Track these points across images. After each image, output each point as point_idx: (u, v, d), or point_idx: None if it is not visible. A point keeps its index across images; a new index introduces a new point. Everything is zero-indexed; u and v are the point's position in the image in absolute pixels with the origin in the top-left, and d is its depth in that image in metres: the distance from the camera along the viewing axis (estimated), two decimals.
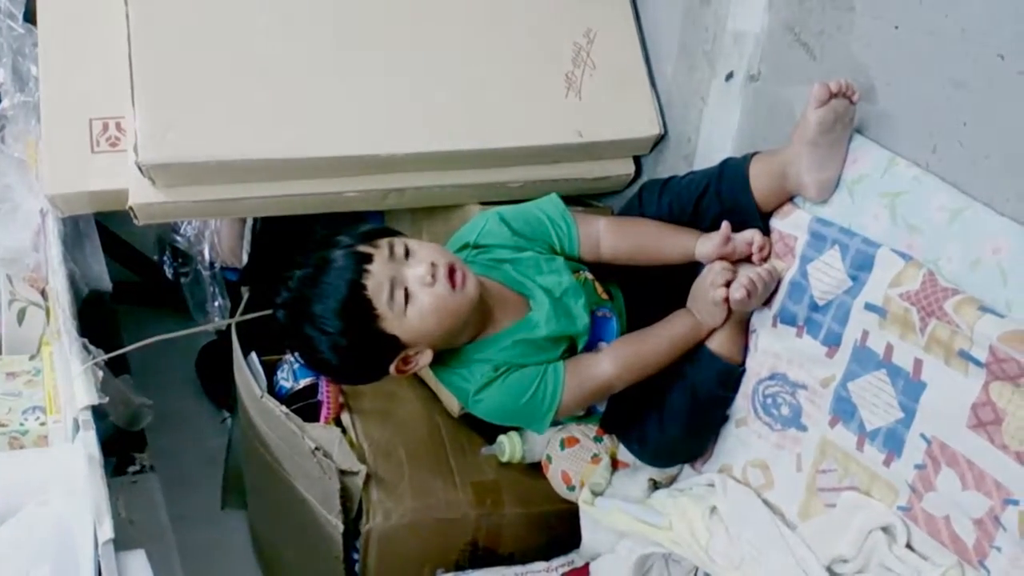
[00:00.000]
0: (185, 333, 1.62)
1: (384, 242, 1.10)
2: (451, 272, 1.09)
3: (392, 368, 1.13)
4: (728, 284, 1.14)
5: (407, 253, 1.10)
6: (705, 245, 1.17)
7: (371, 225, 1.17)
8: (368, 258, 1.08)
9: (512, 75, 1.43)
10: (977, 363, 0.92)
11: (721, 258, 1.16)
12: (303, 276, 1.09)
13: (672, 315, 1.20)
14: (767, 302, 1.17)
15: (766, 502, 1.16)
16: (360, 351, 1.10)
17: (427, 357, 1.13)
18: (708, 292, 1.15)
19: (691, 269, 1.20)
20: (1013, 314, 0.91)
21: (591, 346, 1.22)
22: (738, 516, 1.15)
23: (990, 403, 0.91)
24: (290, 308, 1.11)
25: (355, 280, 1.06)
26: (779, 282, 1.14)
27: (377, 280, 1.07)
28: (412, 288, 1.08)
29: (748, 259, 1.17)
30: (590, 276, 1.24)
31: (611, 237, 1.23)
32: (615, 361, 1.17)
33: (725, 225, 1.15)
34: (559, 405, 1.16)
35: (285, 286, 1.10)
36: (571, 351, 1.19)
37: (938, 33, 0.99)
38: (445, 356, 1.18)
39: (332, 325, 1.07)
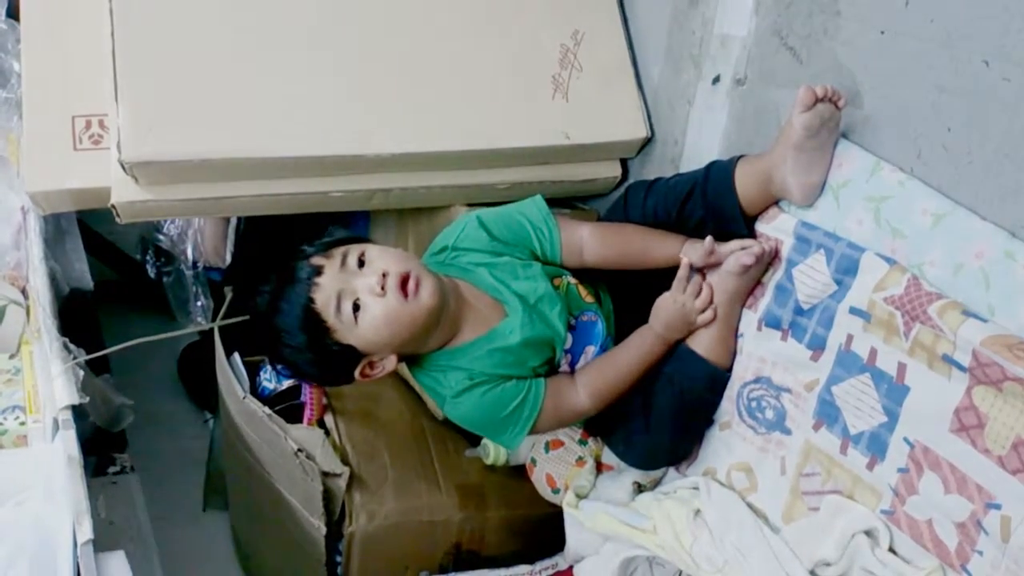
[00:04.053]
0: (168, 336, 1.61)
1: (338, 252, 1.11)
2: (404, 281, 1.08)
3: (357, 374, 1.14)
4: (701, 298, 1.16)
5: (361, 262, 1.10)
6: (691, 253, 1.17)
7: (338, 233, 1.17)
8: (318, 271, 1.09)
9: (499, 77, 1.42)
10: (960, 367, 0.92)
11: (705, 266, 1.16)
12: (267, 291, 1.11)
13: (637, 333, 1.20)
14: (752, 305, 1.17)
15: (750, 505, 1.16)
16: (324, 360, 1.12)
17: (391, 363, 1.14)
18: (680, 309, 1.15)
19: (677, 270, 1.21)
20: (996, 319, 0.91)
21: (578, 352, 1.22)
22: (722, 519, 1.15)
23: (973, 407, 0.91)
24: (260, 323, 1.13)
25: (305, 294, 1.08)
26: (775, 254, 1.14)
27: (325, 293, 1.08)
28: (363, 298, 1.08)
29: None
30: (573, 280, 1.24)
31: (595, 244, 1.23)
32: (589, 393, 1.18)
33: (709, 239, 1.15)
34: (533, 426, 1.16)
35: (256, 301, 1.13)
36: (551, 359, 1.19)
37: (923, 38, 0.99)
38: (421, 359, 1.18)
39: (293, 339, 1.10)
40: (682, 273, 1.15)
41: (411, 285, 1.08)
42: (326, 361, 1.12)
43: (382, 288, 1.08)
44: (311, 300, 1.08)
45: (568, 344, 1.21)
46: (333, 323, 1.08)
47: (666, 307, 1.16)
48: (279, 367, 1.48)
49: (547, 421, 1.17)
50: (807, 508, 1.10)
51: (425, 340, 1.14)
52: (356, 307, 1.08)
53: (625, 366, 1.18)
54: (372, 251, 1.11)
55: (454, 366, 1.16)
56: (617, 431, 1.25)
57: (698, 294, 1.16)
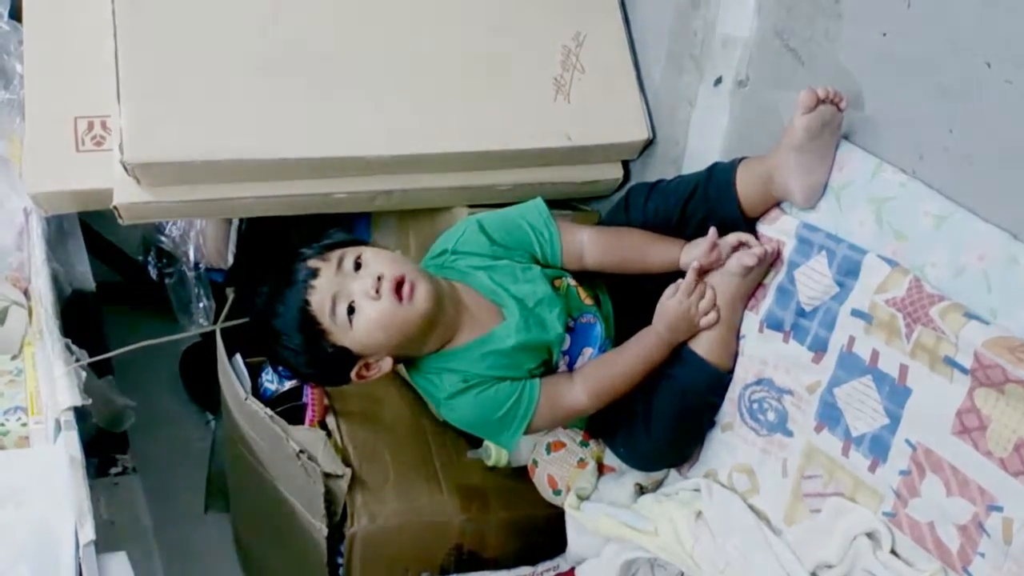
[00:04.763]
0: (172, 339, 1.61)
1: (335, 255, 1.12)
2: (399, 285, 1.09)
3: (353, 375, 1.15)
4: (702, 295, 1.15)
5: (358, 265, 1.11)
6: (691, 253, 1.17)
7: (336, 235, 1.18)
8: (315, 273, 1.10)
9: (501, 78, 1.42)
10: (962, 369, 0.92)
11: (706, 265, 1.15)
12: (264, 292, 1.13)
13: (640, 335, 1.19)
14: (754, 307, 1.17)
15: (752, 507, 1.16)
16: (320, 362, 1.13)
17: (387, 364, 1.15)
18: (684, 311, 1.14)
19: (678, 274, 1.20)
20: (998, 321, 0.91)
21: (576, 353, 1.22)
22: (723, 521, 1.15)
23: (975, 409, 0.91)
24: (257, 324, 1.15)
25: (301, 297, 1.09)
26: (777, 256, 1.14)
27: (320, 295, 1.09)
28: (358, 301, 1.09)
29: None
30: (573, 282, 1.24)
31: (595, 249, 1.23)
32: (588, 391, 1.17)
33: (712, 231, 1.15)
34: (529, 425, 1.16)
35: (254, 301, 1.14)
36: (547, 361, 1.19)
37: (925, 40, 0.99)
38: (417, 361, 1.18)
39: (290, 340, 1.11)
40: (690, 278, 1.15)
41: (406, 289, 1.09)
42: (322, 362, 1.13)
43: (376, 291, 1.08)
44: (307, 302, 1.09)
45: (566, 345, 1.21)
46: (328, 325, 1.09)
47: (670, 309, 1.16)
48: (278, 367, 1.50)
49: (543, 420, 1.17)
50: (809, 510, 1.10)
51: (421, 343, 1.15)
52: (351, 310, 1.09)
53: (626, 365, 1.18)
54: (368, 254, 1.12)
55: (449, 368, 1.16)
56: (618, 432, 1.25)
57: (701, 296, 1.16)
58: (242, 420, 1.47)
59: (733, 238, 1.14)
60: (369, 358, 1.14)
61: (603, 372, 1.18)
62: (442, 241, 1.25)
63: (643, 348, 1.18)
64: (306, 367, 1.15)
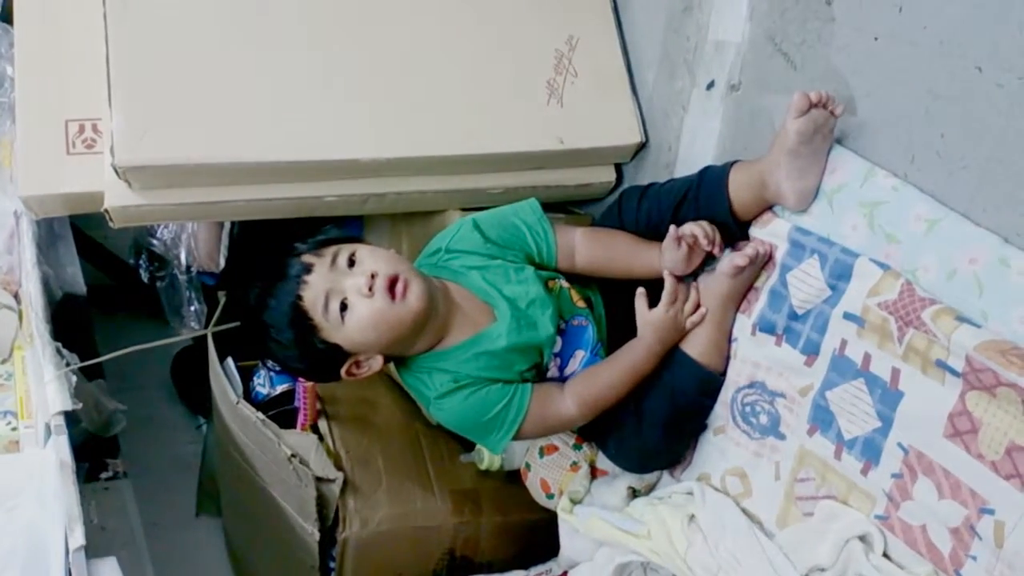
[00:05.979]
0: (163, 343, 1.61)
1: (330, 251, 1.12)
2: (392, 283, 1.09)
3: (342, 372, 1.15)
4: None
5: (352, 262, 1.11)
6: (664, 258, 1.17)
7: (330, 232, 1.18)
8: (308, 269, 1.10)
9: (494, 82, 1.42)
10: (954, 373, 0.92)
11: (679, 270, 1.16)
12: (257, 286, 1.12)
13: (629, 345, 1.19)
14: (746, 310, 1.17)
15: (744, 510, 1.16)
16: (310, 357, 1.13)
17: (377, 363, 1.15)
18: (671, 319, 1.15)
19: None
20: (989, 324, 0.92)
21: (567, 356, 1.22)
22: (716, 524, 1.15)
23: (966, 413, 0.91)
24: (248, 317, 1.15)
25: (294, 291, 1.09)
26: (769, 258, 1.14)
27: (313, 291, 1.09)
28: (350, 298, 1.09)
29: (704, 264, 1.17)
30: (565, 284, 1.24)
31: (585, 248, 1.23)
32: (578, 403, 1.17)
33: (672, 229, 1.14)
34: (518, 431, 1.16)
35: (246, 295, 1.14)
36: (539, 364, 1.19)
37: (917, 45, 0.99)
38: (407, 359, 1.18)
39: (280, 335, 1.11)
40: (669, 285, 1.15)
41: (399, 287, 1.09)
42: (312, 358, 1.13)
43: (370, 289, 1.08)
44: (299, 298, 1.09)
45: (557, 348, 1.21)
46: (320, 321, 1.09)
47: (656, 320, 1.16)
48: (268, 362, 1.50)
49: (532, 427, 1.17)
50: (801, 513, 1.10)
51: (412, 342, 1.15)
52: (344, 307, 1.09)
53: (615, 377, 1.18)
54: (363, 251, 1.12)
55: (439, 368, 1.16)
56: (610, 435, 1.25)
57: (686, 299, 1.16)
58: (234, 424, 1.46)
59: (690, 227, 1.14)
60: (360, 355, 1.14)
61: (591, 383, 1.18)
62: (437, 240, 1.26)
63: (633, 360, 1.18)
64: (295, 362, 1.15)
